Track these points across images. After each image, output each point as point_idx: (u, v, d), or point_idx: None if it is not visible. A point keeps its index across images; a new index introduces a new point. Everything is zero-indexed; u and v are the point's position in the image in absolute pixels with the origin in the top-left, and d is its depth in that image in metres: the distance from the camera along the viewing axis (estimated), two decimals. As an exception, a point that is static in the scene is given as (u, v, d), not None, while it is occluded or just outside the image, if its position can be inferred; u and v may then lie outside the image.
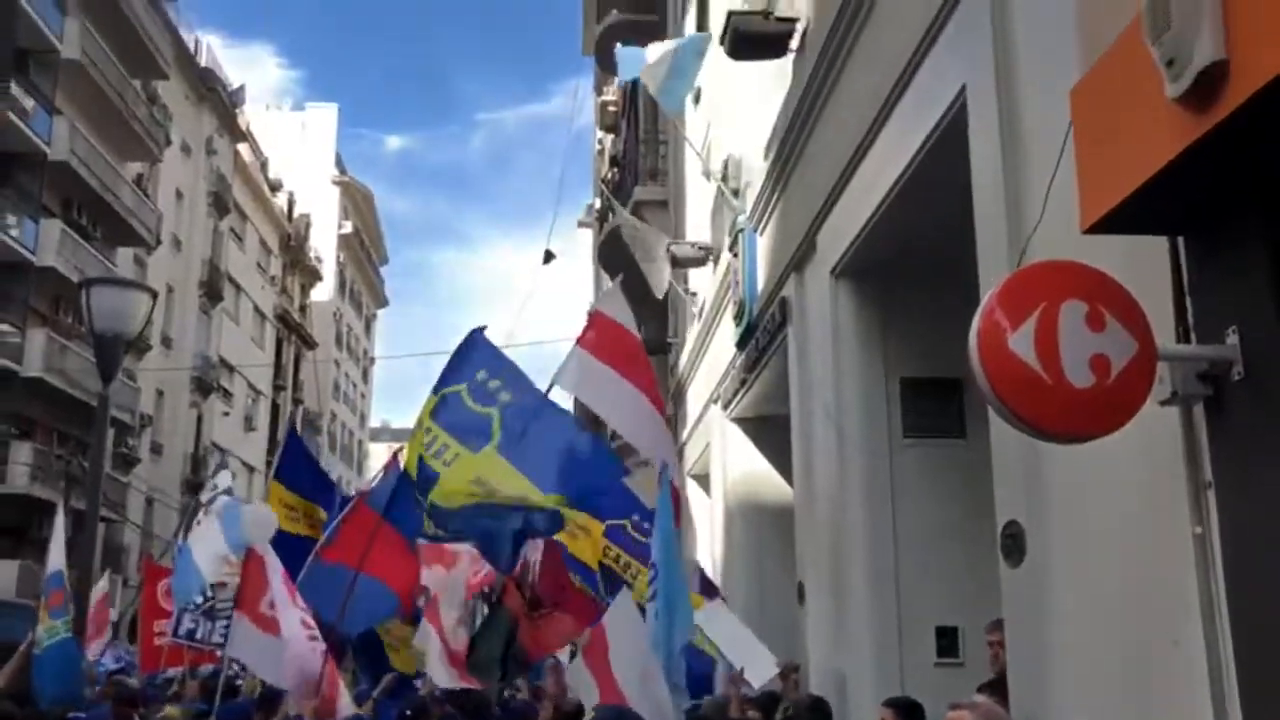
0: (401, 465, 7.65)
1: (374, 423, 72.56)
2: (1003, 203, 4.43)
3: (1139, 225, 3.13)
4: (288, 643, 7.17)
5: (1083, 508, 3.97)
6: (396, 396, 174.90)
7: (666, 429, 6.47)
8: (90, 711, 8.06)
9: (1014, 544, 4.25)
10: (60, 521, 10.04)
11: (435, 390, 7.02)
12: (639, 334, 6.50)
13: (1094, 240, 3.19)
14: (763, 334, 9.47)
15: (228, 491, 13.72)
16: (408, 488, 7.15)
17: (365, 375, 67.37)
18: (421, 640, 8.05)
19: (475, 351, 6.83)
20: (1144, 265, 3.25)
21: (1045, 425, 2.89)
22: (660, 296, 13.67)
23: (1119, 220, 3.03)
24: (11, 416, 29.23)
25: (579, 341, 6.21)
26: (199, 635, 12.49)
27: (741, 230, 9.93)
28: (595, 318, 6.37)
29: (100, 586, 14.21)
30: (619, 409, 6.29)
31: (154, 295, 10.08)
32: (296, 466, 9.75)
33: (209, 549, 10.23)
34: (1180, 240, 3.18)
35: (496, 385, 6.60)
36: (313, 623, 7.23)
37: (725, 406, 11.75)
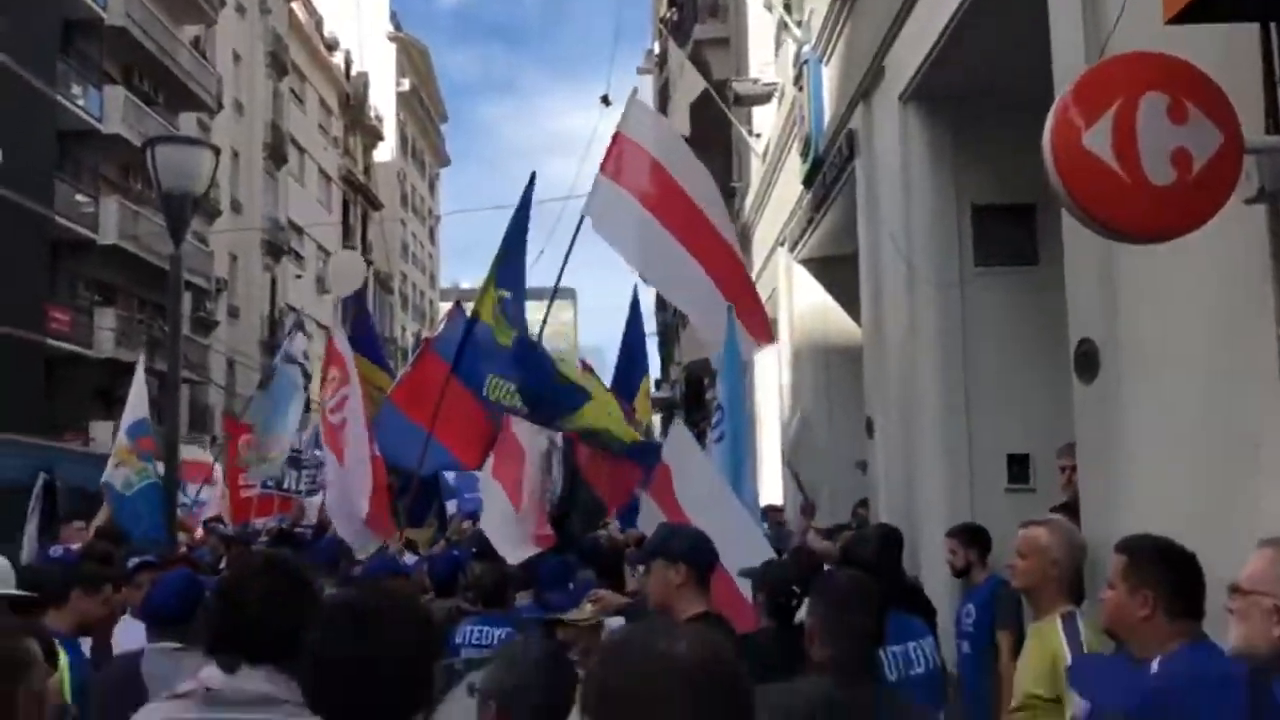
0: (467, 314, 7.68)
1: (444, 283, 73.27)
2: (1079, 1, 4.19)
3: (1227, 12, 2.93)
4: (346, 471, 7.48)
5: (1160, 320, 3.86)
6: (465, 257, 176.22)
7: (696, 263, 6.18)
8: (194, 553, 8.51)
9: (1087, 361, 4.16)
10: (140, 374, 10.35)
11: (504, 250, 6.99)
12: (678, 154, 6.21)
13: (1178, 33, 3.00)
14: (830, 169, 9.25)
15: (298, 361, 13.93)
16: (474, 341, 7.13)
17: (432, 235, 67.79)
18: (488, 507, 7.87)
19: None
20: (1232, 56, 3.06)
21: (1122, 225, 2.78)
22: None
23: (1205, 7, 2.84)
24: (93, 284, 30.04)
25: (601, 168, 6.03)
26: (285, 484, 13.00)
27: (806, 61, 9.61)
28: (617, 140, 6.10)
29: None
30: (643, 245, 6.11)
31: (217, 152, 10.11)
32: (370, 337, 9.83)
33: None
34: (1272, 26, 2.97)
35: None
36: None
37: (792, 248, 11.61)
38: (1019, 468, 6.48)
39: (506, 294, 7.01)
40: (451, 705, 2.93)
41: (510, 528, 7.38)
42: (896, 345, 7.34)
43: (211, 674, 2.62)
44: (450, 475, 10.09)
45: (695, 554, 3.68)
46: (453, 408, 7.55)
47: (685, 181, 6.18)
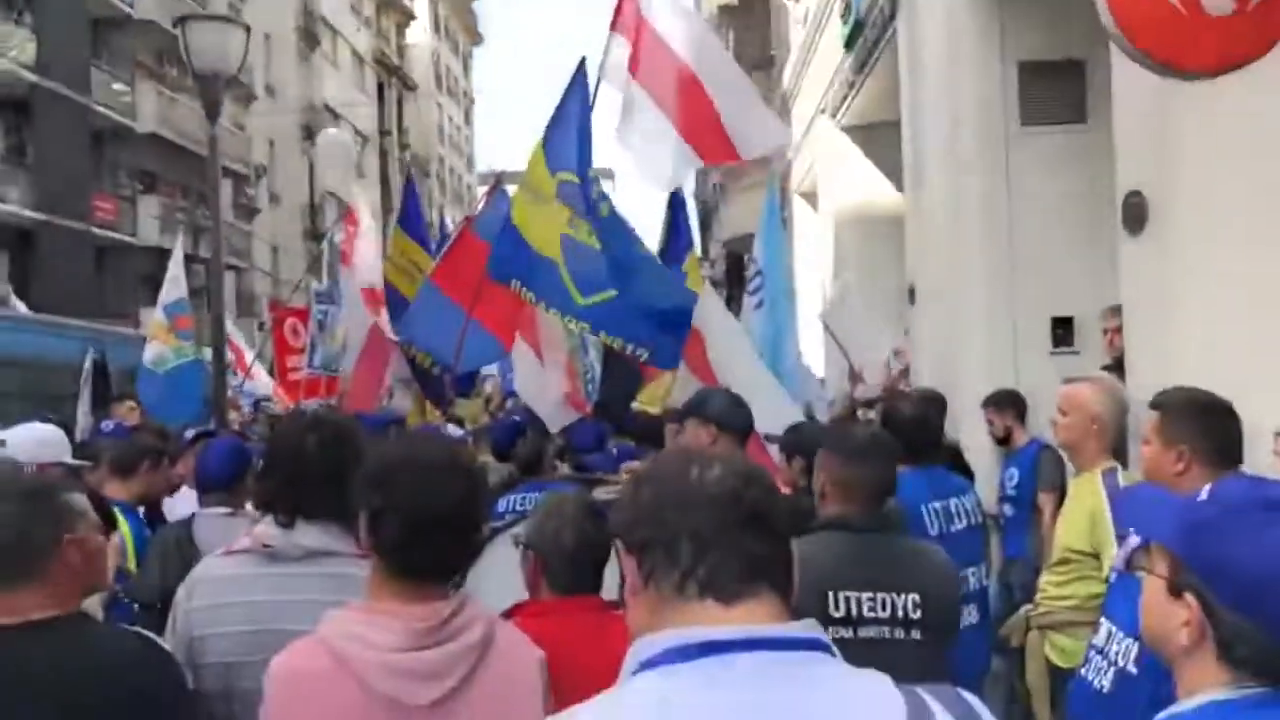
0: (509, 207, 7.30)
1: (481, 167, 72.80)
2: None
3: None
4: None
5: (1211, 172, 3.75)
6: (501, 141, 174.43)
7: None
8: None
9: (1136, 213, 4.07)
10: (179, 254, 10.43)
11: (546, 149, 6.40)
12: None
13: None
14: (871, 30, 8.98)
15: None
16: (514, 237, 6.70)
17: (468, 117, 67.10)
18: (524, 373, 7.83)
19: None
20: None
21: (1182, 62, 2.67)
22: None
23: None
24: (135, 172, 30.18)
25: (611, 26, 5.80)
26: (335, 366, 13.17)
27: (846, -82, 9.27)
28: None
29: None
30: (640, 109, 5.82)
31: (248, 30, 10.01)
32: (416, 216, 9.79)
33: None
34: None
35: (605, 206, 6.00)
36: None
37: (833, 115, 11.37)
38: (1063, 331, 6.41)
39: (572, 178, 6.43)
40: (495, 554, 3.00)
41: (544, 389, 7.17)
42: (939, 209, 7.21)
43: (267, 530, 2.69)
44: None
45: (729, 415, 3.68)
46: (494, 289, 7.48)
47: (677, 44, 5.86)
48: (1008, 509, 5.99)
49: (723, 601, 1.30)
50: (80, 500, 2.39)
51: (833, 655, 1.30)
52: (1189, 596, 1.61)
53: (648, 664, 1.26)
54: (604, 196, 6.07)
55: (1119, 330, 5.65)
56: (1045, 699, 4.08)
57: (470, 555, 2.22)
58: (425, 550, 2.11)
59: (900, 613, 2.76)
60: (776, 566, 1.34)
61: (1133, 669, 3.10)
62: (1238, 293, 3.62)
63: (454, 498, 2.14)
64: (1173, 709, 1.61)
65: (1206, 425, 3.10)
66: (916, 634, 2.76)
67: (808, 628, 1.31)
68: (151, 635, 2.41)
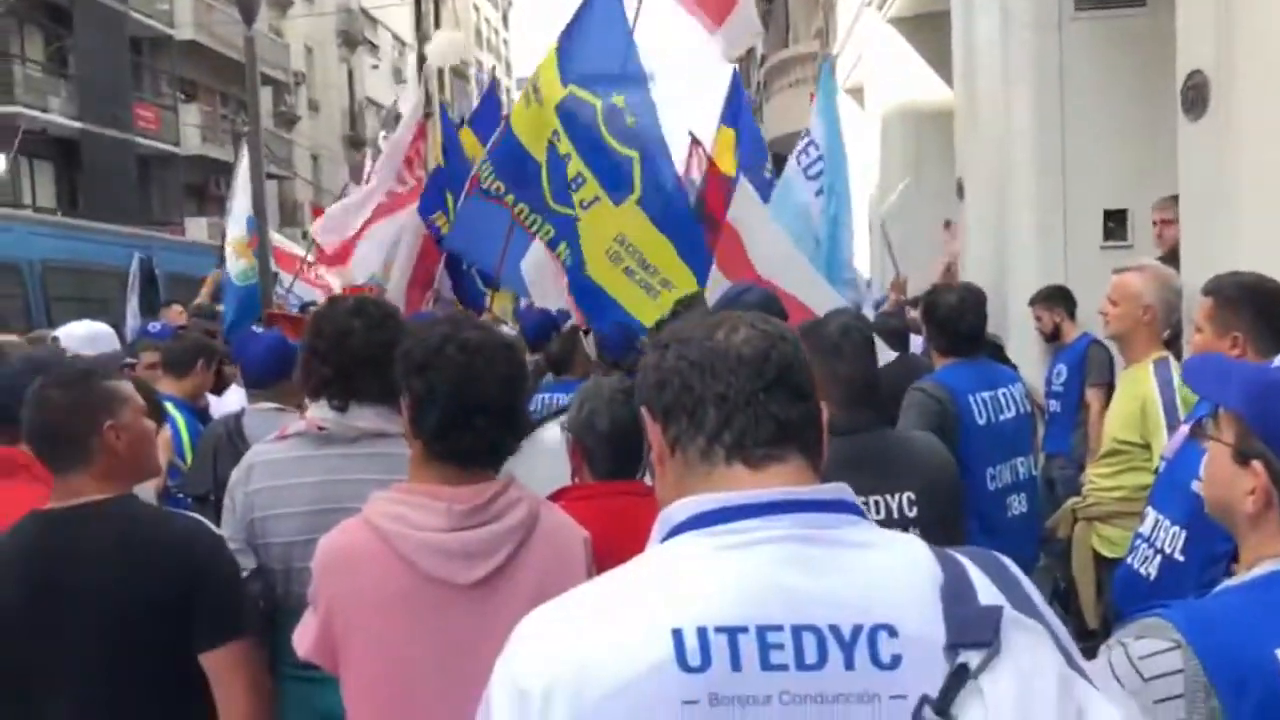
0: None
1: (519, 71, 71.91)
2: None
3: None
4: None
5: (1274, 55, 3.60)
6: (539, 45, 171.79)
7: None
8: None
9: (1196, 95, 3.92)
10: (244, 169, 10.40)
11: (561, 63, 6.17)
12: None
13: None
14: (919, -84, 8.67)
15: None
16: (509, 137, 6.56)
17: (505, 20, 66.13)
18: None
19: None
20: None
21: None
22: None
23: None
24: (175, 80, 30.15)
25: None
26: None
27: None
28: None
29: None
30: None
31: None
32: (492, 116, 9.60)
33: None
34: None
35: (631, 118, 5.76)
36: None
37: (880, 7, 11.06)
38: (1115, 224, 6.26)
39: (595, 101, 6.32)
40: (541, 443, 3.00)
41: (545, 274, 7.10)
42: (990, 98, 7.01)
43: (320, 413, 2.71)
44: None
45: (762, 310, 3.59)
46: None
47: None
48: (1053, 404, 5.93)
49: (750, 466, 1.27)
50: (124, 387, 2.43)
51: (863, 517, 1.27)
52: (1256, 464, 1.58)
53: (675, 530, 1.24)
54: (629, 111, 5.89)
55: (1168, 222, 5.52)
56: (1091, 589, 4.08)
57: (513, 439, 2.21)
58: (466, 435, 2.10)
59: (896, 513, 2.65)
60: (806, 429, 1.30)
61: (1180, 557, 3.08)
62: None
63: (496, 382, 2.12)
64: (1237, 578, 1.59)
65: (1261, 310, 3.03)
66: (915, 532, 2.66)
67: (837, 490, 1.27)
68: (199, 517, 2.46)
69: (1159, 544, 3.16)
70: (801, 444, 1.29)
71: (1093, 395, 5.61)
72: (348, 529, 2.15)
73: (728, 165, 7.10)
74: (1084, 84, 6.27)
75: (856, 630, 1.16)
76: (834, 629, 1.16)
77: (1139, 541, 3.28)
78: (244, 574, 2.54)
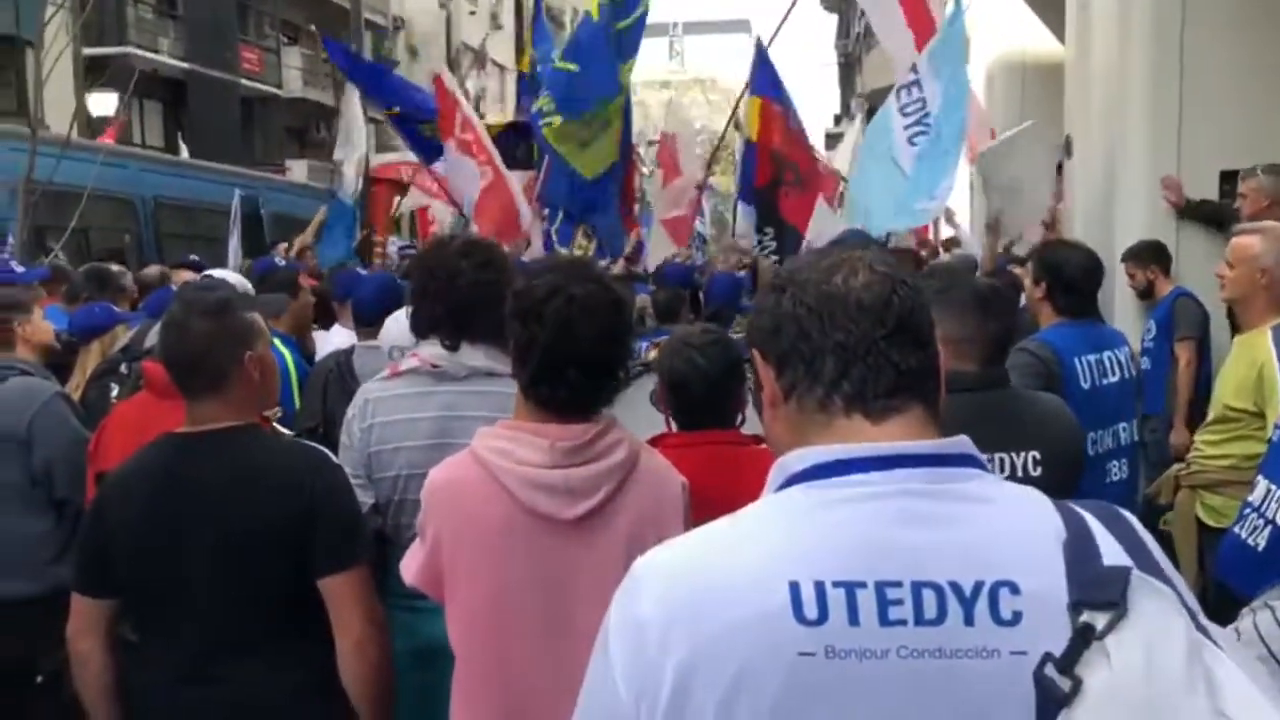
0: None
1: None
2: None
3: None
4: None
5: None
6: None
7: None
8: None
9: (1330, 52, 3.74)
10: (356, 108, 10.50)
11: None
12: None
13: None
14: None
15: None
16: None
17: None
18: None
19: None
20: None
21: None
22: None
23: None
24: (278, 23, 30.60)
25: None
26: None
27: None
28: None
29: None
30: None
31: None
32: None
33: None
34: None
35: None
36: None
37: (990, -44, 10.73)
38: (1231, 185, 6.01)
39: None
40: (643, 389, 3.04)
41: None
42: (1104, 49, 6.76)
43: (434, 350, 2.78)
44: None
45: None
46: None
47: None
48: (1145, 362, 5.77)
49: (870, 417, 1.24)
50: (259, 320, 2.51)
51: (986, 470, 1.24)
52: None
53: (792, 479, 1.23)
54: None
55: (1243, 195, 5.35)
56: (1194, 559, 4.00)
57: (612, 390, 2.22)
58: (560, 387, 2.13)
59: (1020, 472, 2.63)
60: (926, 378, 1.27)
61: (1292, 528, 3.01)
62: None
63: (594, 337, 2.13)
64: None
65: None
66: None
67: (959, 444, 1.24)
68: (322, 449, 2.53)
69: (1270, 514, 3.08)
70: (922, 393, 1.27)
71: (1181, 349, 5.45)
72: (456, 462, 2.21)
73: (756, 133, 7.56)
74: (1205, 36, 6.00)
75: (978, 586, 1.15)
76: (954, 585, 1.15)
77: (1248, 510, 3.19)
78: (364, 509, 2.61)
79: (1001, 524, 1.19)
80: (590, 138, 7.70)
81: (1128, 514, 1.27)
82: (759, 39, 8.59)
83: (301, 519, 2.32)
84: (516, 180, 8.60)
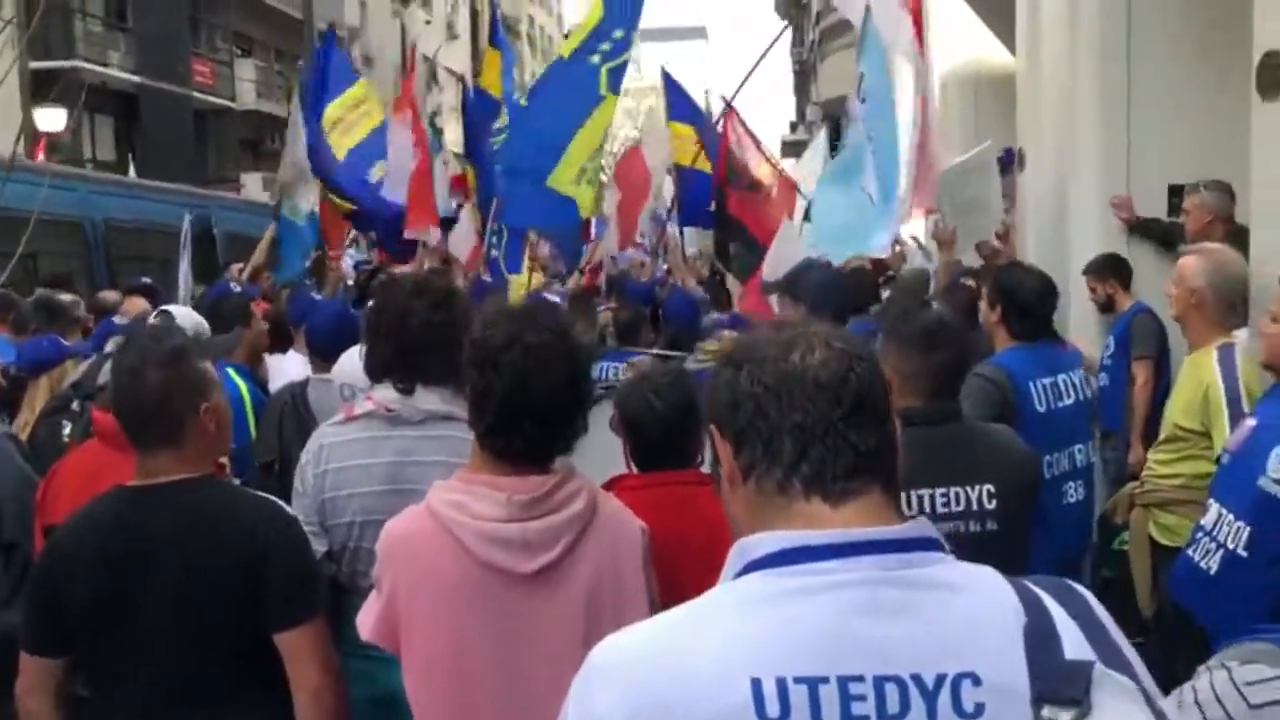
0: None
1: (570, 24, 71.42)
2: None
3: None
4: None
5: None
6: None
7: None
8: None
9: (1271, 76, 3.81)
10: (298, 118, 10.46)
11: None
12: None
13: None
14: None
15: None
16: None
17: (560, -27, 65.61)
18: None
19: None
20: None
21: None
22: None
23: None
24: (230, 35, 30.31)
25: None
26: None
27: None
28: None
29: None
30: None
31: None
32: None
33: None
34: None
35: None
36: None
37: (941, -32, 10.82)
38: (1180, 199, 6.10)
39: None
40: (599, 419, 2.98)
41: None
42: (1054, 64, 6.85)
43: (388, 395, 2.75)
44: None
45: (821, 295, 3.53)
46: None
47: None
48: (1103, 378, 5.83)
49: (830, 501, 1.23)
50: (212, 370, 2.47)
51: (945, 551, 1.24)
52: None
53: (752, 565, 1.22)
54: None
55: (1186, 212, 5.43)
56: (1147, 577, 4.04)
57: (570, 439, 2.20)
58: (515, 438, 2.11)
59: (975, 505, 2.64)
60: (884, 456, 1.26)
61: (1243, 552, 3.05)
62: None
63: (551, 388, 2.11)
64: None
65: None
66: (993, 524, 2.63)
67: (919, 527, 1.24)
68: (276, 499, 2.50)
69: (1221, 538, 3.13)
70: (881, 473, 1.26)
71: (1137, 368, 5.46)
72: (411, 516, 2.18)
73: (686, 159, 7.83)
74: (1153, 55, 6.10)
75: (940, 679, 1.14)
76: (916, 678, 1.14)
77: (1200, 534, 3.24)
78: (317, 556, 2.58)
79: (962, 612, 1.19)
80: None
81: (1081, 589, 1.28)
82: (665, 72, 8.84)
83: (257, 572, 2.29)
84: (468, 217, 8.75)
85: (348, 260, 14.10)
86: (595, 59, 7.55)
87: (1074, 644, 1.17)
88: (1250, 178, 4.18)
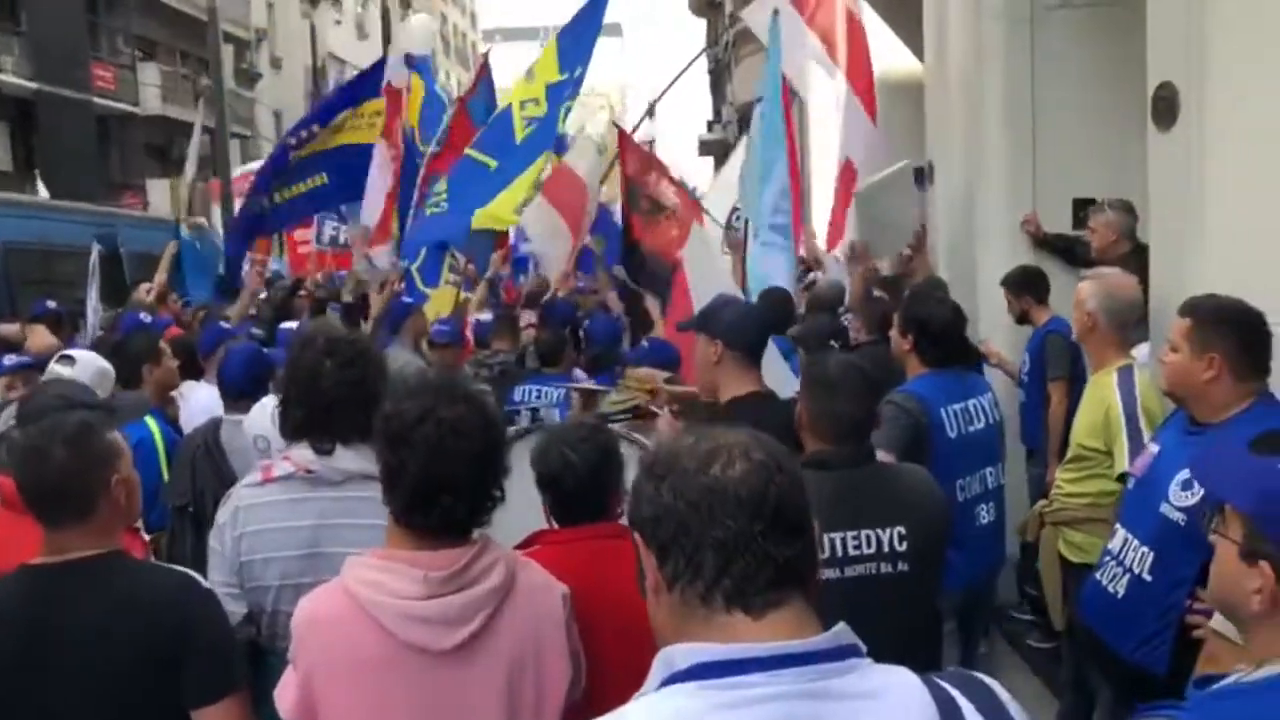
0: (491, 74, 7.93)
1: (485, 24, 70.91)
2: None
3: None
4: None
5: (1250, 69, 3.63)
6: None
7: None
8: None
9: (1166, 106, 3.93)
10: (198, 128, 10.26)
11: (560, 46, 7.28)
12: None
13: None
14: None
15: None
16: (505, 128, 7.43)
17: (471, -30, 65.07)
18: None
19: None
20: None
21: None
22: None
23: None
24: (132, 39, 29.52)
25: None
26: (342, 240, 13.10)
27: None
28: None
29: None
30: None
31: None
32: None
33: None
34: None
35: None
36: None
37: (849, -23, 10.94)
38: (1084, 212, 6.27)
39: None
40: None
41: (559, 246, 8.12)
42: (960, 84, 7.00)
43: (305, 455, 2.70)
44: None
45: (734, 332, 3.48)
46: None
47: None
48: (1021, 394, 5.95)
49: (751, 614, 1.27)
50: (120, 440, 2.41)
51: (861, 656, 1.27)
52: (1263, 564, 1.59)
53: (675, 677, 1.25)
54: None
55: (1093, 230, 5.61)
56: (1058, 593, 4.15)
57: (483, 513, 2.18)
58: (432, 513, 2.10)
59: (886, 547, 2.68)
60: (804, 565, 1.31)
61: (1147, 577, 3.15)
62: (1269, 195, 3.54)
63: (467, 462, 2.09)
64: (1240, 676, 1.60)
65: (1240, 334, 3.06)
66: (904, 566, 2.68)
67: (838, 637, 1.27)
68: (191, 573, 2.45)
69: (1127, 563, 3.23)
70: (800, 583, 1.30)
71: (1052, 389, 5.52)
72: (326, 595, 2.15)
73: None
74: (1057, 72, 6.26)
75: None
76: None
77: (1108, 559, 3.34)
78: (235, 620, 2.54)
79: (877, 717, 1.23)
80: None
81: (987, 681, 1.33)
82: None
83: (173, 650, 2.25)
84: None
85: (272, 267, 13.87)
86: (562, 110, 7.70)
87: None
88: (1150, 205, 4.31)
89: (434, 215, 7.46)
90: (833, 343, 5.57)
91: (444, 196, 7.47)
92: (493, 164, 7.46)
